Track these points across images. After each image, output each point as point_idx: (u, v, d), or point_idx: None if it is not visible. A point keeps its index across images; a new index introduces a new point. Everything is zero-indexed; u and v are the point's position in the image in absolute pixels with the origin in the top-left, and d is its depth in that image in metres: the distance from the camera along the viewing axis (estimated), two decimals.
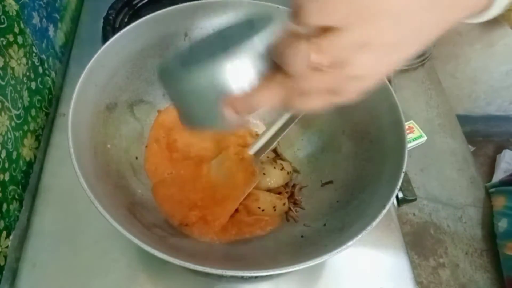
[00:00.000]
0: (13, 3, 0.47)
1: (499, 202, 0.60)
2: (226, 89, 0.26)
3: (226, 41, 0.28)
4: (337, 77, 0.22)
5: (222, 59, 0.25)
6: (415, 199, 0.49)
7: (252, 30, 0.26)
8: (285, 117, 0.43)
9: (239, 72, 0.25)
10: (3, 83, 0.44)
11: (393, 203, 0.46)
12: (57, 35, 0.62)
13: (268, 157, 0.48)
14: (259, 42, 0.25)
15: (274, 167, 0.47)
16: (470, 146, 0.69)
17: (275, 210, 0.44)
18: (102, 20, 0.65)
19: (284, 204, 0.45)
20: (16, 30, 0.47)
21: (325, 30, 0.21)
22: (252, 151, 0.45)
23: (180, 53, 0.31)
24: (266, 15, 0.28)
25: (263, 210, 0.44)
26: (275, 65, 0.25)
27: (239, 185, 0.44)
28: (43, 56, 0.56)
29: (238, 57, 0.25)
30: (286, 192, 0.47)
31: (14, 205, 0.46)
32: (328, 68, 0.22)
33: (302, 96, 0.24)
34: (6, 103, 0.45)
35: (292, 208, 0.45)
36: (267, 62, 0.26)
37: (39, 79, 0.54)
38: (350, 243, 0.33)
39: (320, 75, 0.22)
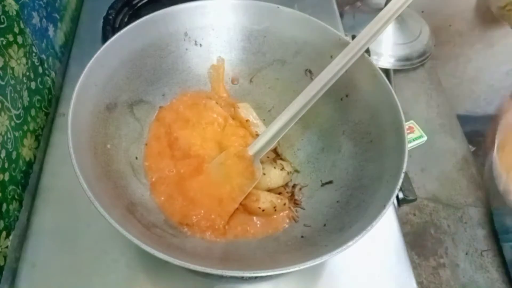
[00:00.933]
0: (13, 3, 0.47)
1: None
2: None
3: None
4: None
5: None
6: (415, 199, 0.49)
7: None
8: (285, 117, 0.43)
9: None
10: (3, 83, 0.44)
11: (393, 203, 0.46)
12: (57, 35, 0.62)
13: (268, 157, 0.48)
14: None
15: (274, 167, 0.47)
16: (470, 146, 0.69)
17: (275, 210, 0.44)
18: (102, 20, 0.65)
19: (284, 204, 0.45)
20: (16, 30, 0.47)
21: None
22: (252, 151, 0.45)
23: None
24: None
25: (263, 210, 0.44)
26: None
27: (239, 185, 0.44)
28: (43, 56, 0.56)
29: None
30: (286, 192, 0.47)
31: (14, 205, 0.46)
32: None
33: None
34: (6, 103, 0.45)
35: (292, 208, 0.45)
36: None
37: (39, 79, 0.54)
38: (350, 243, 0.33)
39: None
